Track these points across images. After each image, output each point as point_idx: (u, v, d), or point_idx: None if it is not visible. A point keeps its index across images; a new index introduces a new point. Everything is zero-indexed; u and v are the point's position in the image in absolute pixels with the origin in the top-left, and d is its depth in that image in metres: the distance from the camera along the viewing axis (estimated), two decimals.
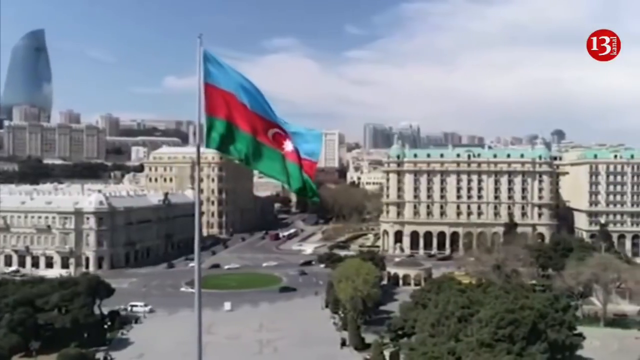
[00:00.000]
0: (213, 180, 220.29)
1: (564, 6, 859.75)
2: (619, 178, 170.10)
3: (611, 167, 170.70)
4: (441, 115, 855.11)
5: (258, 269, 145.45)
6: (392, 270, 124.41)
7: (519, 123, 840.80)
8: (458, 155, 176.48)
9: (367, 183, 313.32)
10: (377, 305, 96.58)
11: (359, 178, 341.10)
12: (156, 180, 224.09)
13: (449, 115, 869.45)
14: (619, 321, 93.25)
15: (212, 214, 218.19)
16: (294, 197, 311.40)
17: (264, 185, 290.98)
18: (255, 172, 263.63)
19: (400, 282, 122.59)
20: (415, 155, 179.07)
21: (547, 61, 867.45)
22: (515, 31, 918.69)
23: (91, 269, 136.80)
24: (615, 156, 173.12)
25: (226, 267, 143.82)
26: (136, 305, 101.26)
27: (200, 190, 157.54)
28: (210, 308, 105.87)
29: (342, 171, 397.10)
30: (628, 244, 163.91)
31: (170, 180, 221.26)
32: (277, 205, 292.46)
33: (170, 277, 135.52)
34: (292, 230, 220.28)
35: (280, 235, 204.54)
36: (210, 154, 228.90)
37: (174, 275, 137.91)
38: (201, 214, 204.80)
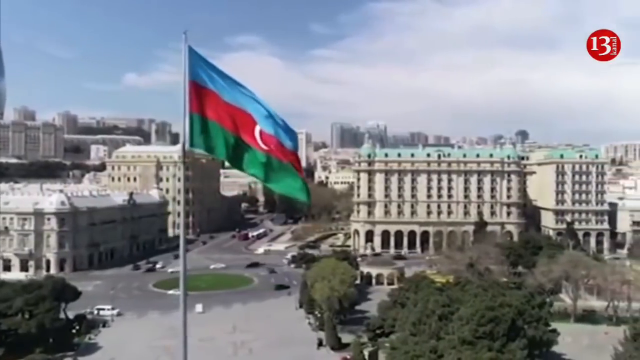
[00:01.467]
0: (179, 179, 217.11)
1: (529, 9, 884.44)
2: (584, 177, 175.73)
3: (577, 167, 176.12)
4: (408, 115, 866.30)
5: (206, 271, 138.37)
6: (365, 269, 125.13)
7: (483, 123, 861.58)
8: (428, 155, 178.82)
9: (335, 182, 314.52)
10: (352, 305, 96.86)
11: (327, 177, 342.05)
12: (119, 179, 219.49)
13: (415, 115, 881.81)
14: (588, 317, 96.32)
15: (178, 214, 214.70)
16: (261, 197, 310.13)
17: (231, 185, 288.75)
18: (222, 170, 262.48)
19: (374, 281, 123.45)
20: (386, 155, 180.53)
21: (512, 62, 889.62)
22: (482, 32, 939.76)
23: (52, 271, 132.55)
24: (581, 156, 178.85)
25: (170, 270, 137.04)
26: (103, 309, 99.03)
27: (166, 190, 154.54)
28: None
29: (310, 171, 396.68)
30: (592, 241, 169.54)
31: (134, 179, 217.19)
32: (244, 205, 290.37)
33: (137, 279, 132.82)
34: (261, 230, 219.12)
35: (250, 235, 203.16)
36: (175, 153, 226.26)
37: (141, 277, 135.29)
38: (167, 213, 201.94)
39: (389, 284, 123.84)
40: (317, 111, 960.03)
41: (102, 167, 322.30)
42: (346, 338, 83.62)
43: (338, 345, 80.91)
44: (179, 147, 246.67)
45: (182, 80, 9.40)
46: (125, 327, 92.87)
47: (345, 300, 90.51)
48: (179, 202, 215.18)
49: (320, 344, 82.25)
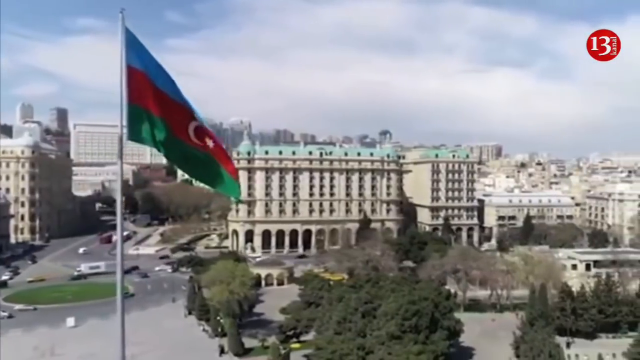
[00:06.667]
0: (23, 178, 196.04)
1: (387, 13, 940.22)
2: (456, 176, 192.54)
3: (450, 166, 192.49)
4: (271, 112, 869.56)
5: (66, 281, 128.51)
6: (254, 270, 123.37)
7: (348, 122, 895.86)
8: (310, 153, 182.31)
9: None
10: (250, 307, 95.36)
11: None
12: None
13: (278, 113, 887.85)
14: (474, 306, 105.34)
15: (22, 217, 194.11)
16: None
17: (81, 184, 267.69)
18: (74, 168, 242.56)
19: (263, 282, 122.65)
20: (267, 152, 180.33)
21: (374, 64, 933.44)
22: (345, 33, 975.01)
23: None
24: (453, 156, 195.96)
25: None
26: None
27: (6, 190, 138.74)
28: (47, 326, 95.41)
29: (172, 168, 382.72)
30: (464, 235, 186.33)
31: None
32: (99, 205, 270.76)
33: None
34: (125, 233, 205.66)
35: (113, 238, 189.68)
36: (18, 147, 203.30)
37: None
38: (9, 217, 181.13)
39: (279, 284, 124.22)
40: None
41: None
42: (248, 342, 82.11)
43: (242, 351, 79.10)
44: (23, 140, 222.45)
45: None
46: None
47: (246, 303, 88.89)
48: (22, 204, 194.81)
49: (222, 351, 79.72)
